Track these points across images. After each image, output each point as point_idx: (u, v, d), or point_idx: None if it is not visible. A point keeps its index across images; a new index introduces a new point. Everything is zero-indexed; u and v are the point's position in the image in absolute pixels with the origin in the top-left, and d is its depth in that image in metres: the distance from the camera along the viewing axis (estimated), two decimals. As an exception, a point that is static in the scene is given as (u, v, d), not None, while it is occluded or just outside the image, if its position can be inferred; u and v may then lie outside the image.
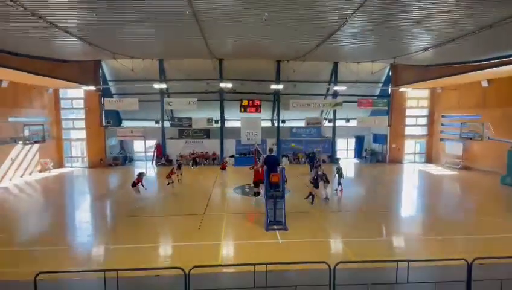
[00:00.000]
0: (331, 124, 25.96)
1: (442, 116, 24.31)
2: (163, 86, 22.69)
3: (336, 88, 23.52)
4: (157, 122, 24.73)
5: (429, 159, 25.41)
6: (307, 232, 9.80)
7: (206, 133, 25.39)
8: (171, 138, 25.40)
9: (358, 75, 22.68)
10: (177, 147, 25.04)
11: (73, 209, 13.37)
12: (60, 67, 19.29)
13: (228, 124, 26.05)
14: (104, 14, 10.33)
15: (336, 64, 23.82)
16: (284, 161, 24.22)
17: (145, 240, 9.24)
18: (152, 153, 25.48)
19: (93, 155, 23.92)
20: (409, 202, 14.44)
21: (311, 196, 12.94)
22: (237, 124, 24.45)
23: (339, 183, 14.44)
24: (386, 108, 24.46)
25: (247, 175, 19.19)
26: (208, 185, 17.20)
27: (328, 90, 25.19)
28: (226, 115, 25.60)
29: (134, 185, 13.54)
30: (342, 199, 13.74)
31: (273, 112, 26.11)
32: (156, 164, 24.66)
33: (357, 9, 9.69)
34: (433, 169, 22.66)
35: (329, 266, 5.08)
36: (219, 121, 25.03)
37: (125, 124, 26.20)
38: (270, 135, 25.26)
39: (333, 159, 25.59)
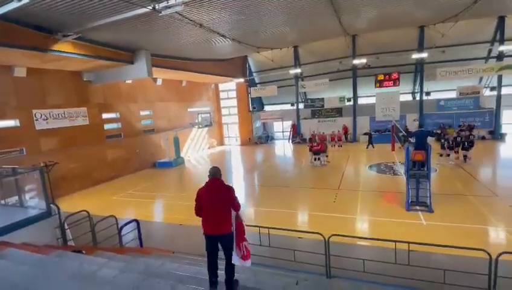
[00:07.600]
0: (494, 93, 23.65)
1: None
2: (298, 70, 25.65)
3: (501, 48, 21.36)
4: (292, 104, 28.78)
5: None
6: (458, 217, 9.22)
7: (339, 112, 27.63)
8: (305, 118, 28.93)
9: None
10: (310, 126, 27.71)
11: (231, 179, 16.60)
12: (218, 66, 25.05)
13: (361, 101, 26.95)
14: (250, 15, 13.01)
15: (501, 19, 21.35)
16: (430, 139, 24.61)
17: (286, 206, 11.10)
18: (289, 133, 30.03)
19: (243, 135, 31.35)
20: None
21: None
22: (371, 100, 24.70)
23: None
24: None
25: (382, 153, 20.82)
26: (340, 162, 18.77)
27: (489, 52, 22.91)
28: (359, 92, 26.70)
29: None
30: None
31: (414, 84, 25.63)
32: (292, 142, 29.04)
33: None
34: None
35: (489, 255, 4.78)
36: (351, 99, 26.56)
37: (267, 108, 31.77)
38: (410, 110, 24.92)
39: (496, 136, 23.52)
